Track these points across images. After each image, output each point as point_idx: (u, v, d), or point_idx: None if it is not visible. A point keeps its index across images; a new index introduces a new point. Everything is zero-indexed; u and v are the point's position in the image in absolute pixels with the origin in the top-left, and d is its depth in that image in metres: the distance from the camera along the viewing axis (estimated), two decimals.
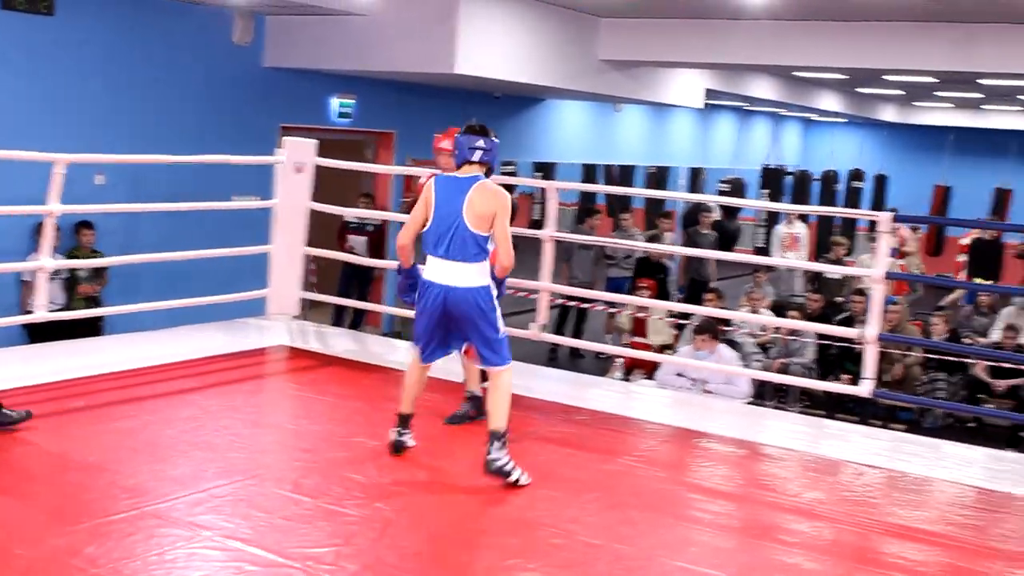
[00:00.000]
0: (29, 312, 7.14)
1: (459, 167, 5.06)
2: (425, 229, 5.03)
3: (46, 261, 6.45)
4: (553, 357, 12.48)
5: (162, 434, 5.32)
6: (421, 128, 13.05)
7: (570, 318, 12.82)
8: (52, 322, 7.77)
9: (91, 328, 8.74)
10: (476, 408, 5.81)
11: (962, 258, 16.64)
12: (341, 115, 12.06)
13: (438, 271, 5.00)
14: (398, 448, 5.19)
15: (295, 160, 7.52)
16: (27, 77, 9.06)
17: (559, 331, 12.47)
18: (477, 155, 5.03)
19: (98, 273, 9.28)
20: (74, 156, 6.47)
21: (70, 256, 8.97)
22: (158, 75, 10.04)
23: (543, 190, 12.95)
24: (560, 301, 12.44)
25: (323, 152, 7.81)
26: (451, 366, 5.97)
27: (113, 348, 7.11)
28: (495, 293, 5.09)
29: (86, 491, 4.50)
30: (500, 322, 5.09)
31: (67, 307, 8.91)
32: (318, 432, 5.64)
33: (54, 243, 8.69)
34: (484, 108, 14.21)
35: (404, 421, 5.22)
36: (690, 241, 14.08)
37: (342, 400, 6.22)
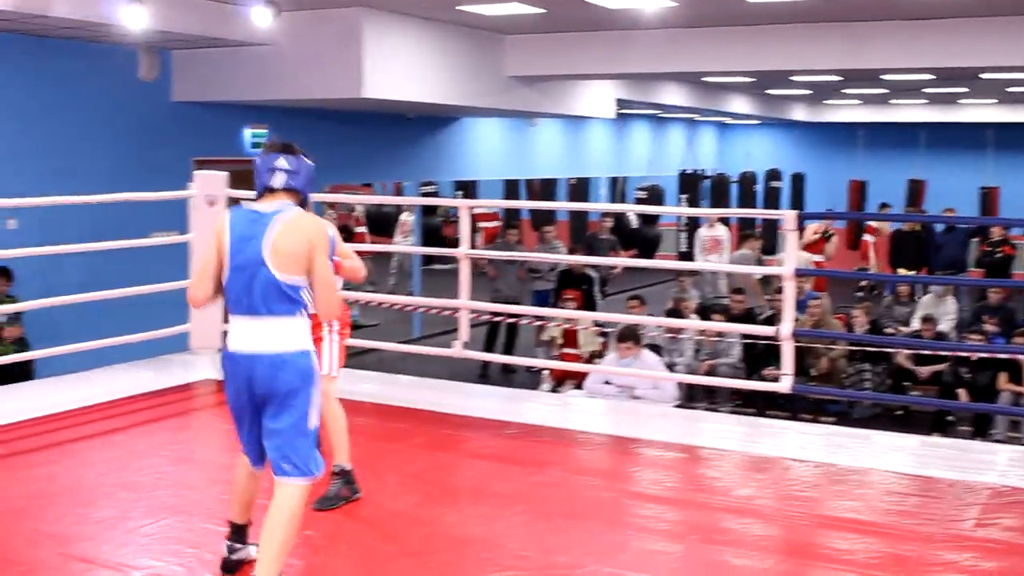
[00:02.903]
0: None
1: (259, 198, 3.88)
2: (225, 281, 3.82)
3: None
4: (484, 374, 12.49)
5: (85, 477, 5.24)
6: (337, 154, 13.07)
7: (500, 334, 12.85)
8: None
9: (21, 374, 8.62)
10: (347, 484, 4.97)
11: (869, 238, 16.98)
12: (255, 146, 12.00)
13: (241, 335, 3.76)
14: (229, 568, 4.06)
15: (207, 193, 7.47)
16: None
17: (489, 347, 12.50)
18: (279, 179, 3.83)
19: (18, 317, 9.16)
20: None
21: None
22: (65, 116, 9.92)
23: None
24: (487, 317, 12.48)
25: (241, 183, 7.76)
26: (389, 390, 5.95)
27: (34, 393, 6.99)
28: (315, 363, 3.83)
29: (9, 540, 4.42)
30: (316, 409, 3.82)
31: None
32: None
33: None
34: (398, 130, 14.24)
35: (236, 531, 4.09)
36: (589, 248, 14.27)
37: None
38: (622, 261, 12.92)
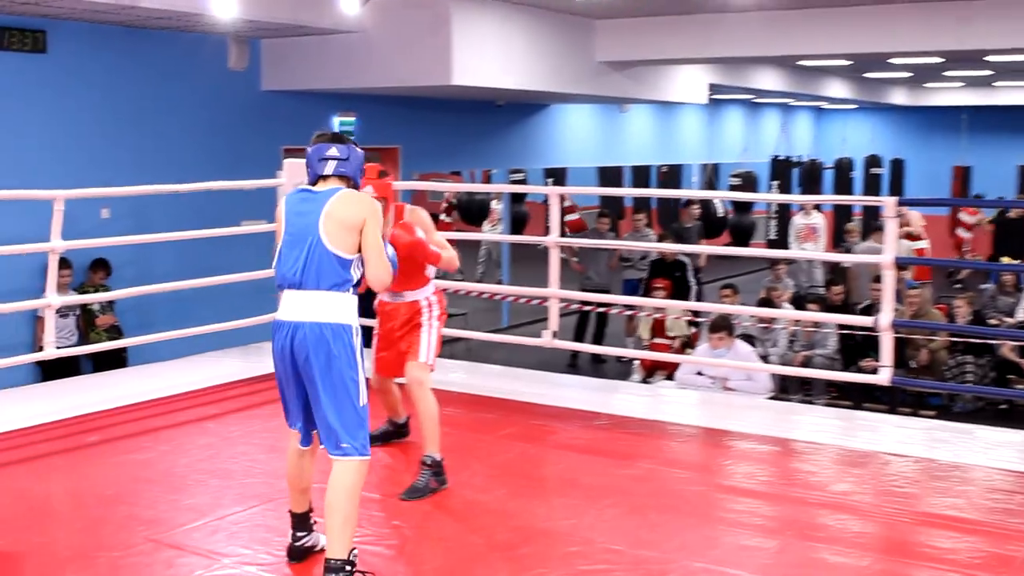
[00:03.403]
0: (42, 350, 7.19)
1: (313, 184, 4.01)
2: (276, 258, 3.97)
3: (52, 298, 6.49)
4: (573, 364, 12.48)
5: (178, 464, 5.35)
6: (425, 142, 13.14)
7: (589, 323, 12.82)
8: (68, 358, 7.88)
9: (115, 361, 8.82)
10: (436, 475, 4.94)
11: (965, 233, 16.61)
12: (343, 134, 12.09)
13: (287, 306, 3.89)
14: (294, 555, 4.15)
15: (295, 182, 7.54)
16: (23, 116, 9.10)
17: (579, 337, 12.47)
18: (330, 167, 3.96)
19: (111, 305, 9.39)
20: (72, 192, 6.52)
21: (81, 292, 9.04)
22: (156, 105, 10.09)
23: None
24: (577, 306, 12.46)
25: None
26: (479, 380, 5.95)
27: (128, 381, 7.15)
28: (358, 342, 3.89)
29: (104, 525, 4.53)
30: (362, 386, 3.87)
31: (84, 342, 8.99)
32: None
33: (66, 280, 8.83)
34: (488, 117, 14.26)
35: (297, 521, 4.16)
36: (676, 236, 14.11)
37: None
38: (711, 249, 12.79)
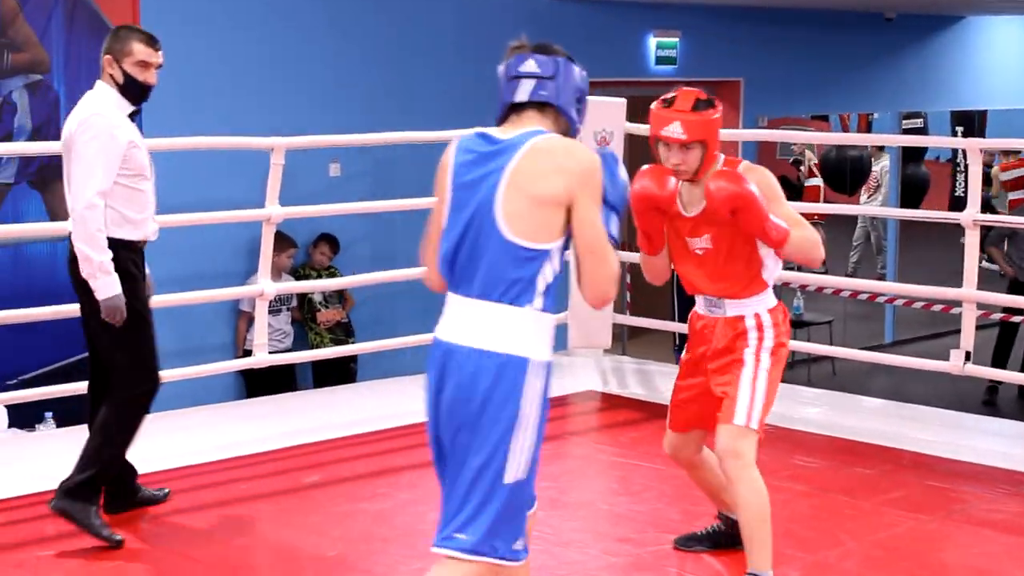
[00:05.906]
0: (248, 353, 7.46)
1: (501, 122, 3.62)
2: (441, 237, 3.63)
3: (265, 284, 6.69)
4: (990, 400, 12.11)
5: (425, 519, 5.43)
6: (778, 74, 13.01)
7: (1018, 341, 12.40)
8: (280, 368, 8.16)
9: (342, 373, 9.11)
10: None
11: None
12: (661, 61, 12.13)
13: (448, 317, 3.56)
14: None
15: (597, 128, 7.58)
16: (230, 35, 9.38)
17: (1000, 360, 12.09)
18: (524, 89, 3.58)
19: (339, 296, 9.67)
20: (294, 140, 6.74)
21: (298, 277, 9.35)
22: (404, 22, 10.29)
23: (962, 152, 12.59)
24: (999, 315, 12.07)
25: (639, 115, 7.85)
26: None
27: (358, 401, 7.37)
28: (540, 388, 3.51)
29: None
30: (520, 453, 3.49)
31: (302, 344, 9.35)
32: (644, 515, 5.67)
33: (287, 262, 9.09)
34: (870, 38, 14.02)
35: None
36: None
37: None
38: None
